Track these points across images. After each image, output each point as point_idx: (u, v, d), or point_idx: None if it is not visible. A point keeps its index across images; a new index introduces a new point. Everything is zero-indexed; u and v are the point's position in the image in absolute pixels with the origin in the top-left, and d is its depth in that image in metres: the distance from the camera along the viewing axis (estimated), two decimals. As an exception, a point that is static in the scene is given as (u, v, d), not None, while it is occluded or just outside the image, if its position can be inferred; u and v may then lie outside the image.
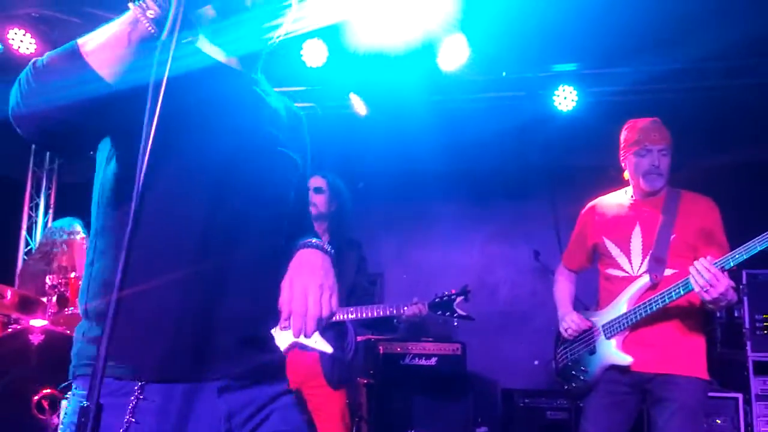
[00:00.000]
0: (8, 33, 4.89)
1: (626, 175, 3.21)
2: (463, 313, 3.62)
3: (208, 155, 1.39)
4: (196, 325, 1.34)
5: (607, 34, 4.57)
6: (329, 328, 3.51)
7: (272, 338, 1.56)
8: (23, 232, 6.40)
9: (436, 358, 5.40)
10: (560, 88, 5.09)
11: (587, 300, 3.50)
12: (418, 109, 5.41)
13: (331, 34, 4.90)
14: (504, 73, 5.15)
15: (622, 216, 3.16)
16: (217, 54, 1.53)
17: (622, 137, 3.21)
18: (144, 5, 1.21)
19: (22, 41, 4.93)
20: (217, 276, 1.38)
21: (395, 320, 3.58)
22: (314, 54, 4.99)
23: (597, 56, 5.00)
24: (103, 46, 1.23)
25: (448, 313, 3.59)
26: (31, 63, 1.27)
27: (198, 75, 1.41)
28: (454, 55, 4.75)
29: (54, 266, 4.92)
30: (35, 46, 4.97)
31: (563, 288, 3.44)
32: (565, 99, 5.08)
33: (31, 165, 6.54)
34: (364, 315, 3.50)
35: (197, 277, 1.35)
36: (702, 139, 5.02)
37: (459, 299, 3.64)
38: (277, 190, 1.54)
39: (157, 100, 1.08)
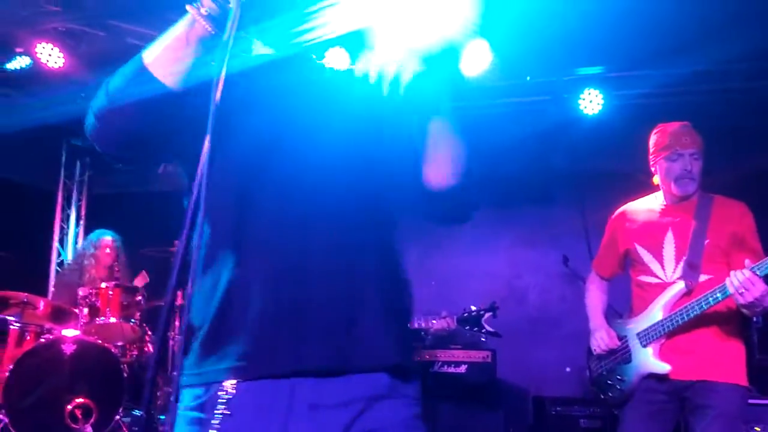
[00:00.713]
0: (36, 47, 5.00)
1: (656, 179, 3.14)
2: (491, 330, 3.63)
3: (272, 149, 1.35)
4: (290, 320, 1.27)
5: (631, 36, 4.52)
6: None
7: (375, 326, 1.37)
8: (55, 243, 6.52)
9: (465, 366, 5.34)
10: (585, 91, 5.03)
11: (619, 306, 3.44)
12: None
13: (352, 42, 4.91)
14: (528, 78, 5.10)
15: (653, 222, 3.10)
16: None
17: (652, 142, 3.15)
18: (199, 5, 1.21)
19: (50, 55, 5.04)
20: (303, 268, 1.30)
21: (422, 332, 3.57)
22: (337, 61, 5.01)
23: (622, 59, 4.94)
24: (163, 52, 1.25)
25: (476, 329, 3.59)
26: (104, 83, 1.30)
27: (263, 69, 1.40)
28: (476, 61, 4.72)
29: (85, 278, 5.01)
30: (63, 60, 5.07)
31: (595, 297, 3.38)
32: (591, 102, 5.02)
33: (62, 177, 6.66)
34: None
35: (283, 270, 1.29)
36: (728, 142, 4.92)
37: (487, 315, 3.64)
38: (374, 180, 1.42)
39: (217, 94, 1.09)
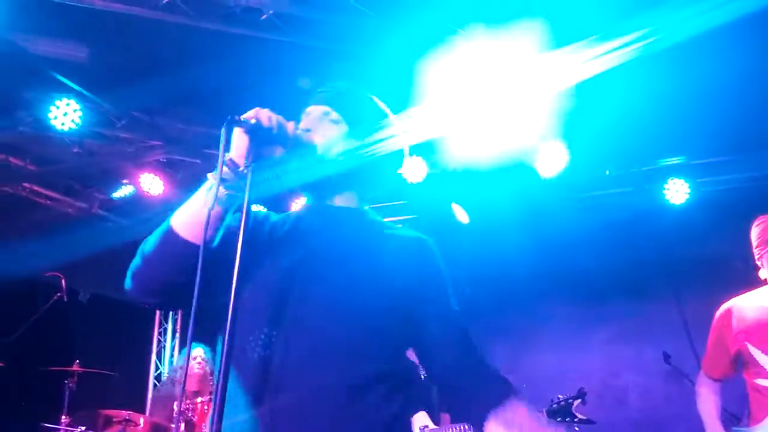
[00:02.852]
0: (140, 177, 5.47)
1: (763, 273, 2.98)
2: (584, 417, 3.48)
3: (279, 280, 1.52)
4: None
5: (711, 123, 4.45)
6: None
7: None
8: (153, 357, 6.79)
9: (565, 475, 5.02)
10: (669, 181, 4.93)
11: (734, 407, 3.18)
12: (517, 213, 5.41)
13: (428, 150, 5.09)
14: (607, 172, 5.07)
15: (766, 320, 2.91)
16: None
17: (755, 234, 3.00)
18: (218, 173, 1.40)
19: (152, 184, 5.48)
20: (295, 403, 1.43)
21: None
22: (414, 170, 5.19)
23: (704, 147, 4.84)
24: (186, 213, 1.45)
25: (567, 419, 3.46)
26: (140, 248, 1.50)
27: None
28: (553, 161, 4.76)
29: (181, 392, 5.12)
30: (163, 187, 5.50)
31: (708, 402, 3.14)
32: (677, 192, 4.90)
33: (159, 293, 7.01)
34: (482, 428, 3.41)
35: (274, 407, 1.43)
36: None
37: (576, 402, 3.53)
38: (372, 314, 1.52)
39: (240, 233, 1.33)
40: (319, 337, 1.47)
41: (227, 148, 1.41)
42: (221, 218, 1.43)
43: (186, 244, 1.42)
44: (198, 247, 1.37)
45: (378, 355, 1.53)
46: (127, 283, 1.51)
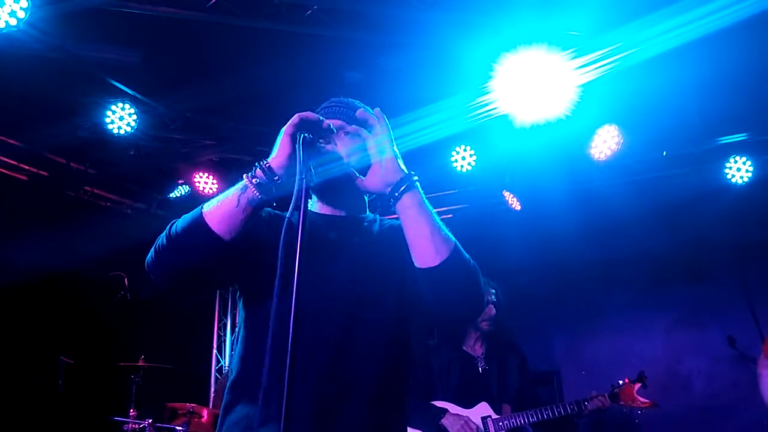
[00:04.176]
0: (195, 177, 5.60)
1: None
2: (646, 401, 3.48)
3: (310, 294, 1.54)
4: None
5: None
6: None
7: None
8: (214, 351, 6.97)
9: (629, 464, 4.94)
10: (731, 159, 4.73)
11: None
12: (571, 199, 5.30)
13: (478, 139, 5.03)
14: (664, 152, 4.91)
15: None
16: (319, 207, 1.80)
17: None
18: (252, 174, 1.49)
19: (206, 182, 5.61)
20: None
21: (575, 417, 3.49)
22: (464, 159, 5.14)
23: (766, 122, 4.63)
24: (219, 207, 1.50)
25: (630, 402, 3.45)
26: (168, 225, 1.55)
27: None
28: (607, 144, 4.64)
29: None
30: (216, 186, 5.62)
31: (771, 385, 3.05)
32: (739, 171, 4.70)
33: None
34: (546, 416, 3.45)
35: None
36: None
37: (637, 386, 3.55)
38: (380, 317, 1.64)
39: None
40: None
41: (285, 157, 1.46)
42: (249, 219, 1.49)
43: (212, 235, 1.48)
44: (222, 240, 1.48)
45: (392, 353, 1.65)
46: (149, 258, 1.55)
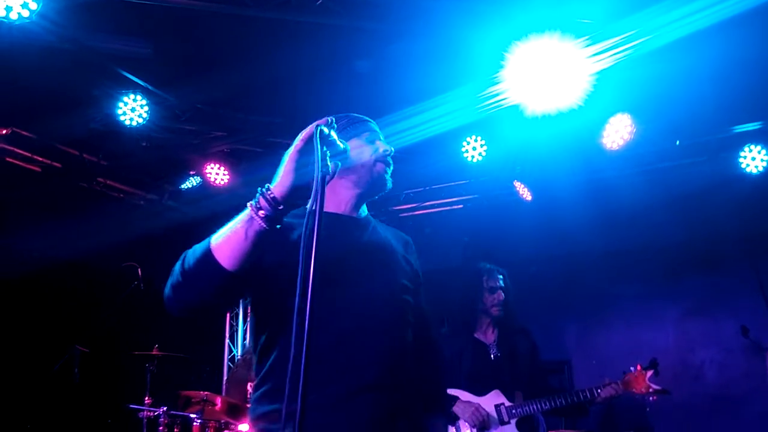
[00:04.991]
0: (206, 168, 5.62)
1: None
2: (658, 387, 3.51)
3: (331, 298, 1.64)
4: None
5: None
6: (523, 422, 3.48)
7: None
8: (226, 341, 7.03)
9: (640, 452, 4.94)
10: (746, 148, 4.69)
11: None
12: (582, 189, 5.27)
13: (488, 129, 5.02)
14: (677, 142, 4.86)
15: None
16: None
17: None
18: (257, 205, 1.47)
19: (217, 174, 5.63)
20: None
21: (587, 404, 3.50)
22: (474, 150, 5.13)
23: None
24: (225, 241, 1.50)
25: (643, 389, 3.45)
26: (181, 257, 1.58)
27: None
28: (619, 134, 4.60)
29: (253, 374, 5.29)
30: (227, 177, 5.64)
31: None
32: (753, 160, 4.66)
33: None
34: (559, 404, 3.45)
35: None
36: None
37: (649, 373, 3.54)
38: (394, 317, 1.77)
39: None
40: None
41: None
42: (257, 248, 1.50)
43: (223, 272, 1.50)
44: (233, 274, 1.50)
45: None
46: (166, 293, 1.58)
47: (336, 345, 1.64)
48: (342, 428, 1.61)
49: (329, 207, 1.77)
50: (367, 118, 1.90)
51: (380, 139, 1.86)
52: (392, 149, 1.85)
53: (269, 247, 1.56)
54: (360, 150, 1.79)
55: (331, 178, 1.50)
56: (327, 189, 1.57)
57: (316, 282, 1.29)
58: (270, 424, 1.64)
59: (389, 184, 1.85)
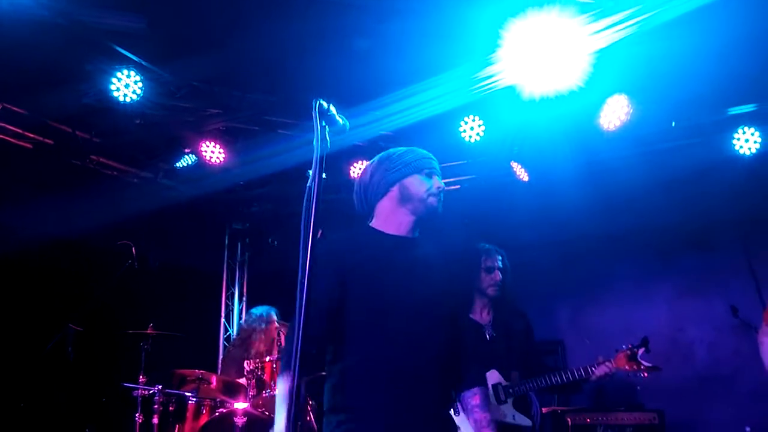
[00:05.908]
0: (201, 146, 5.56)
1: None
2: (650, 365, 3.54)
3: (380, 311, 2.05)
4: None
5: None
6: (519, 400, 3.52)
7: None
8: (222, 320, 7.04)
9: (631, 429, 5.00)
10: (740, 130, 4.72)
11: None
12: (579, 169, 5.29)
13: (486, 109, 5.01)
14: (673, 123, 4.88)
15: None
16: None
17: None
18: None
19: (213, 152, 5.58)
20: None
21: (582, 383, 3.55)
22: (472, 130, 5.12)
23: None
24: None
25: (635, 367, 3.48)
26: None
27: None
28: (616, 114, 4.61)
29: (252, 352, 5.30)
30: (223, 155, 5.59)
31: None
32: (747, 142, 4.69)
33: (225, 258, 7.23)
34: (555, 382, 3.50)
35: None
36: None
37: (641, 351, 3.59)
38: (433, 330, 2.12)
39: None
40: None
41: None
42: None
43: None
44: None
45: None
46: None
47: (390, 346, 2.01)
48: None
49: (390, 229, 2.17)
50: (430, 155, 2.23)
51: (437, 175, 2.20)
52: (444, 185, 2.20)
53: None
54: (420, 183, 2.15)
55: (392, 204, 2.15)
56: (389, 214, 2.16)
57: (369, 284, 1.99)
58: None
59: (439, 211, 2.19)
